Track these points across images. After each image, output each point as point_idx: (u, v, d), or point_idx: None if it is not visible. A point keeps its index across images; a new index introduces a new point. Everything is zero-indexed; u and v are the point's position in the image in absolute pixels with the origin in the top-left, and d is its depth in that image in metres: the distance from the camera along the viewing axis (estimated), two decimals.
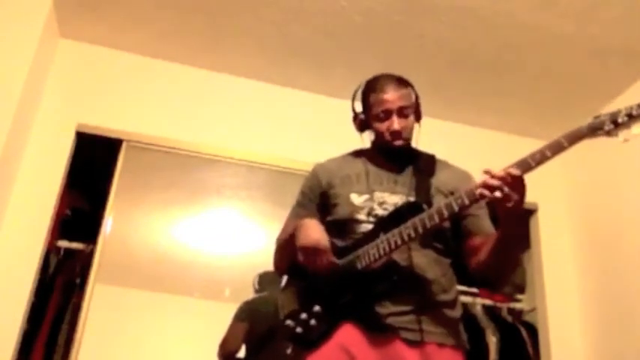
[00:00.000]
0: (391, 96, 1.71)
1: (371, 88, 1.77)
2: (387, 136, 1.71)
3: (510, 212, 1.45)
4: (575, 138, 1.40)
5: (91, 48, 3.22)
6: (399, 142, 1.71)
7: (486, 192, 1.42)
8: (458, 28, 2.91)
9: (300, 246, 1.59)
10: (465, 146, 3.39)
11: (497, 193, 1.41)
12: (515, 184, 1.41)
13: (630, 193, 3.09)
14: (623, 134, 1.37)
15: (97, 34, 3.17)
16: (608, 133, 1.38)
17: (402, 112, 1.71)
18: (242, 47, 3.19)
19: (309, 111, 3.45)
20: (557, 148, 1.41)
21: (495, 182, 1.41)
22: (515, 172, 1.41)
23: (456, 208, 1.48)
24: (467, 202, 1.47)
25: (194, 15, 2.98)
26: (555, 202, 3.53)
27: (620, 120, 1.37)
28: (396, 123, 1.70)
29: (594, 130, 1.40)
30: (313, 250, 1.57)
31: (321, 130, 3.37)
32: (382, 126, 1.72)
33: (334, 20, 2.93)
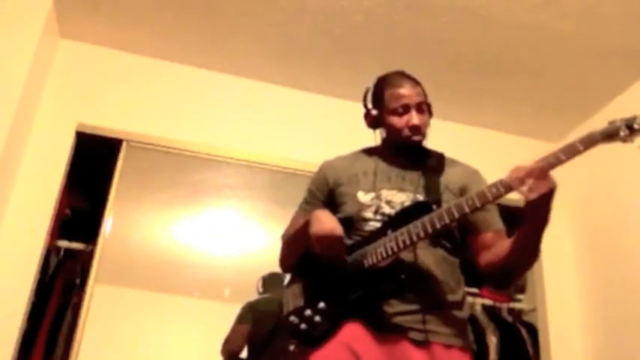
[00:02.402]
0: (409, 91, 1.72)
1: (387, 84, 1.76)
2: (407, 132, 1.70)
3: (533, 206, 1.43)
4: (590, 143, 1.40)
5: (91, 48, 3.22)
6: (417, 137, 1.71)
7: (510, 181, 1.42)
8: (458, 28, 2.91)
9: (313, 233, 1.57)
10: (464, 146, 3.36)
11: (524, 187, 1.40)
12: (539, 176, 1.40)
13: (630, 193, 3.09)
14: (638, 140, 1.36)
15: (97, 34, 3.17)
16: (624, 139, 1.38)
17: (420, 108, 1.72)
18: (242, 47, 3.19)
19: (310, 111, 3.45)
20: (572, 152, 1.40)
21: (521, 174, 1.40)
22: (539, 164, 1.40)
23: (467, 210, 1.47)
24: (478, 203, 1.47)
25: (194, 15, 2.98)
26: (555, 202, 3.52)
27: (635, 126, 1.36)
28: (415, 117, 1.70)
29: (609, 135, 1.39)
30: (328, 238, 1.56)
31: (322, 130, 3.37)
32: (400, 121, 1.71)
33: (334, 20, 2.93)
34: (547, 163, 1.41)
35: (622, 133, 1.37)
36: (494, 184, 1.47)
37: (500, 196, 1.46)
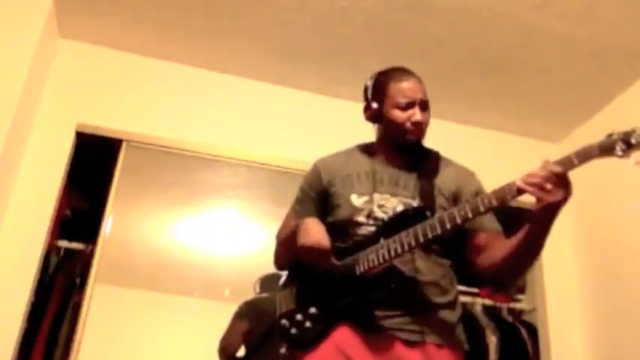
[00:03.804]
0: (415, 86, 1.70)
1: (391, 77, 1.73)
2: (408, 126, 1.67)
3: (550, 209, 1.40)
4: (585, 157, 1.36)
5: (91, 48, 3.22)
6: (417, 134, 1.70)
7: (524, 186, 1.38)
8: (458, 28, 2.91)
9: (300, 245, 1.58)
10: (464, 146, 3.38)
11: (534, 189, 1.37)
12: (557, 182, 1.36)
13: (630, 193, 3.09)
14: (634, 156, 1.31)
15: (97, 34, 3.17)
16: (620, 155, 1.34)
17: (424, 105, 1.70)
18: (242, 47, 3.19)
19: (309, 111, 3.45)
20: (566, 166, 1.37)
21: (534, 180, 1.37)
22: (558, 169, 1.36)
23: (459, 221, 1.45)
24: (470, 215, 1.45)
25: (194, 15, 2.98)
26: None
27: (633, 141, 1.31)
28: (418, 114, 1.68)
29: (606, 150, 1.35)
30: (314, 250, 1.57)
31: (321, 130, 3.37)
32: (403, 115, 1.68)
33: (334, 20, 2.93)
34: (565, 167, 1.37)
35: (618, 148, 1.34)
36: (487, 196, 1.45)
37: (491, 208, 1.44)
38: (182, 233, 4.35)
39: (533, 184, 1.37)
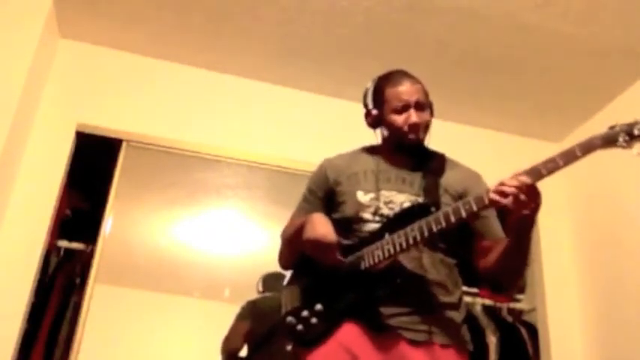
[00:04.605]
0: (409, 89, 1.72)
1: (387, 82, 1.76)
2: (405, 129, 1.70)
3: (523, 220, 1.44)
4: (588, 149, 1.38)
5: (91, 48, 3.22)
6: (416, 136, 1.71)
7: (498, 198, 1.41)
8: (458, 28, 2.91)
9: (306, 239, 1.58)
10: (465, 146, 3.37)
11: (508, 200, 1.39)
12: (529, 192, 1.39)
13: (631, 193, 3.09)
14: (637, 147, 1.34)
15: (97, 34, 3.17)
16: (623, 146, 1.36)
17: (419, 106, 1.71)
18: (242, 47, 3.19)
19: (309, 111, 3.45)
20: (569, 158, 1.39)
21: (508, 189, 1.39)
22: (528, 180, 1.39)
23: (464, 214, 1.47)
24: (475, 208, 1.46)
25: (194, 15, 2.98)
26: (555, 201, 3.52)
27: (635, 132, 1.34)
28: (414, 116, 1.69)
29: (609, 141, 1.37)
30: (320, 244, 1.57)
31: (321, 130, 3.37)
32: (399, 119, 1.70)
33: (334, 20, 2.93)
34: (545, 168, 1.40)
35: (621, 139, 1.36)
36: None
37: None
38: (182, 233, 4.34)
39: (506, 195, 1.40)
